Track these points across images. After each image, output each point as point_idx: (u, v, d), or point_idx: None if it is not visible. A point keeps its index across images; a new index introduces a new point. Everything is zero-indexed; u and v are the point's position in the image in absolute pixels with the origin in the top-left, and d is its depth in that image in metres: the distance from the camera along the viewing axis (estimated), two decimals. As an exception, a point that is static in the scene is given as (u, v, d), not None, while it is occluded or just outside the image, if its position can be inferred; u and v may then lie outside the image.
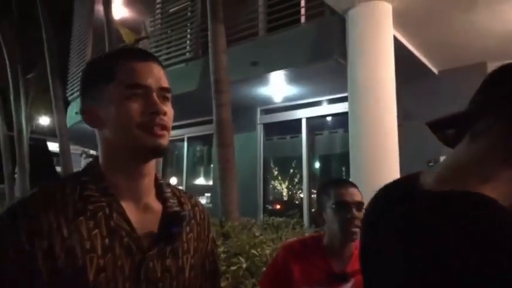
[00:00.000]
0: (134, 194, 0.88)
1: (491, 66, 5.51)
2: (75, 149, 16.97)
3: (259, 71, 5.65)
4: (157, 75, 0.88)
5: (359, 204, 1.51)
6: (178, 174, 8.66)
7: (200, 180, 8.46)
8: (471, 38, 4.61)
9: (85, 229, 0.79)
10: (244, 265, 2.54)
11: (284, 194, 7.29)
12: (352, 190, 1.54)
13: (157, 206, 0.91)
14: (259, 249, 2.67)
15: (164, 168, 8.95)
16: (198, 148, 8.61)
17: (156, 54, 5.95)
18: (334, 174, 6.79)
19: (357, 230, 1.47)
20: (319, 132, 6.81)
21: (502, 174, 0.65)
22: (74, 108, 8.62)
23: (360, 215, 1.48)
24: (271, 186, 7.33)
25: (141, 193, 0.89)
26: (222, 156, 4.26)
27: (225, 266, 2.56)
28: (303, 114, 6.78)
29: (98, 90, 0.87)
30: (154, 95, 0.86)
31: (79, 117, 8.23)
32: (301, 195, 6.68)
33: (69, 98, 8.96)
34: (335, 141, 6.66)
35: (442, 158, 5.43)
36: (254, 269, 2.50)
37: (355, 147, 3.88)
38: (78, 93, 8.60)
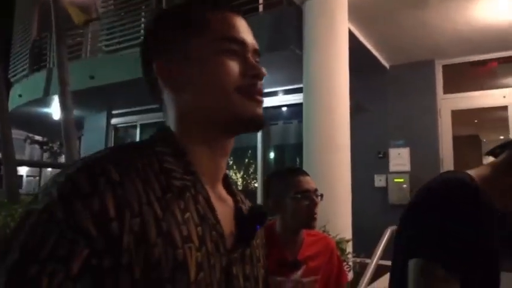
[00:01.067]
0: (212, 178, 0.69)
1: (439, 63, 5.78)
2: (18, 134, 16.05)
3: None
4: (251, 34, 0.72)
5: (316, 191, 1.53)
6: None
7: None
8: (421, 35, 4.78)
9: (178, 209, 0.59)
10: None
11: (239, 183, 7.29)
12: (308, 178, 1.57)
13: (228, 197, 0.73)
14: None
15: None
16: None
17: (108, 37, 5.63)
18: (289, 164, 6.87)
19: (317, 216, 1.52)
20: (274, 122, 6.84)
21: (503, 178, 1.00)
22: (18, 90, 8.11)
23: (318, 200, 1.51)
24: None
25: (218, 177, 0.71)
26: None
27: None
28: (259, 104, 6.77)
29: (182, 43, 0.69)
30: (250, 55, 0.70)
31: (23, 100, 7.76)
32: (256, 185, 6.71)
33: (12, 80, 8.41)
34: (290, 131, 6.73)
35: (390, 150, 5.67)
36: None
37: (308, 138, 3.93)
38: (22, 73, 8.10)
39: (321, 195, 1.56)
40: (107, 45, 6.74)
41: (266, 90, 6.69)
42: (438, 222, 0.88)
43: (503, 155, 1.02)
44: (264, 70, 0.70)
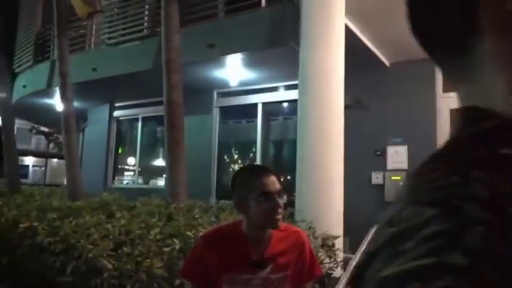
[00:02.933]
0: None
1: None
2: (24, 124, 16.22)
3: (216, 53, 5.59)
4: None
5: (280, 192, 1.53)
6: (132, 154, 8.51)
7: (159, 161, 8.31)
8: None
9: None
10: (177, 246, 2.56)
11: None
12: (273, 178, 1.54)
13: None
14: (193, 231, 2.69)
15: (117, 147, 8.75)
16: (153, 128, 8.45)
17: (110, 30, 5.66)
18: (287, 159, 6.89)
19: (280, 216, 1.51)
20: (274, 117, 6.85)
21: None
22: (22, 81, 8.20)
23: (282, 202, 1.51)
24: (225, 170, 7.34)
25: None
26: (171, 138, 4.20)
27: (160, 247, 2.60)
28: (259, 99, 6.80)
29: None
30: None
31: (27, 91, 7.85)
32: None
33: (17, 70, 8.50)
34: (289, 127, 6.73)
35: (388, 148, 5.65)
36: (187, 251, 2.51)
37: (302, 134, 3.95)
38: (26, 65, 8.19)
39: (286, 196, 1.56)
40: (109, 38, 6.80)
41: (266, 86, 6.70)
42: None
43: None
44: None
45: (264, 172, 1.57)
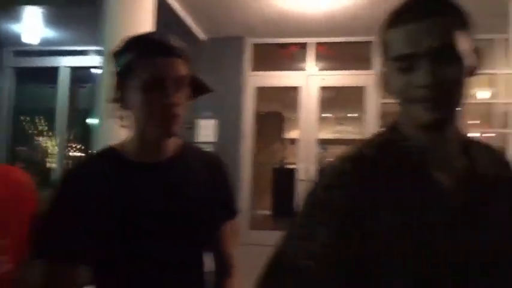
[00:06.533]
0: None
1: (249, 42, 6.06)
2: None
3: (6, 2, 4.75)
4: None
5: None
6: None
7: None
8: (232, 10, 4.91)
9: None
10: None
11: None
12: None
13: None
14: None
15: None
16: None
17: None
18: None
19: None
20: (82, 84, 6.28)
21: None
22: None
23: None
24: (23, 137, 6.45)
25: None
26: None
27: None
28: (64, 62, 6.11)
29: None
30: None
31: None
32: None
33: None
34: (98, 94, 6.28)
35: (198, 121, 5.79)
36: None
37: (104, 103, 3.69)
38: None
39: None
40: None
41: (74, 48, 6.06)
42: None
43: None
44: None
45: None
